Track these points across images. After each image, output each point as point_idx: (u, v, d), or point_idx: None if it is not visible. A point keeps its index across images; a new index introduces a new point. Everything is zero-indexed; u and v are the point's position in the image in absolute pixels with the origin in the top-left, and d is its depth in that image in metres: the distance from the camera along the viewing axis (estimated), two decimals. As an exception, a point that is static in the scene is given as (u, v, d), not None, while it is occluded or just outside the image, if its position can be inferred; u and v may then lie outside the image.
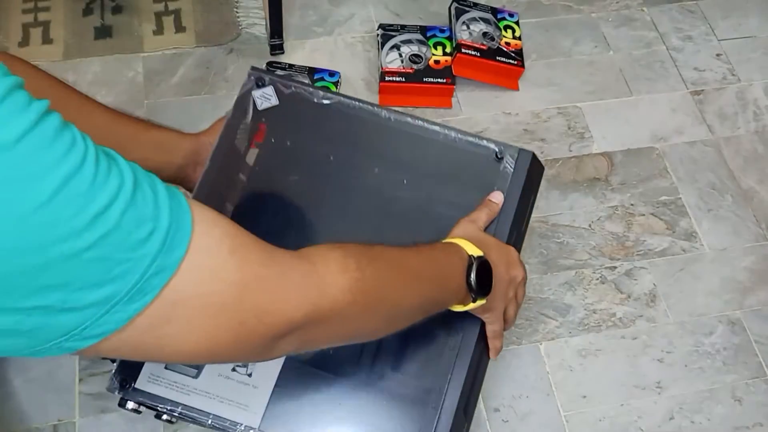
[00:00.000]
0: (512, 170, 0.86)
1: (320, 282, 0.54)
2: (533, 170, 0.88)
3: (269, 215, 0.89)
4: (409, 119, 0.89)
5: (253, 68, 0.90)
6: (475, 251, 0.72)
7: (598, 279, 1.10)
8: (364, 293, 0.58)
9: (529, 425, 0.97)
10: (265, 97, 0.88)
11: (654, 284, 1.10)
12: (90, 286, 0.41)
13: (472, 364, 0.80)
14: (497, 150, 0.87)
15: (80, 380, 0.96)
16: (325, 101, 0.89)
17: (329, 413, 0.78)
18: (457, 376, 0.79)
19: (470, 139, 0.88)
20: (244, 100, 0.89)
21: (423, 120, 0.89)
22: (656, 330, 1.06)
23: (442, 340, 0.81)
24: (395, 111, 0.89)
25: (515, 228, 0.85)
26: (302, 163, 0.90)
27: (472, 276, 0.70)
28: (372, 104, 0.90)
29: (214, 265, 0.47)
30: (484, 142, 0.88)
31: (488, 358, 0.83)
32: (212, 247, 0.47)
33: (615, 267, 1.11)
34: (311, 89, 0.89)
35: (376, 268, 0.60)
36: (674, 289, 1.10)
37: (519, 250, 0.86)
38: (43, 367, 0.96)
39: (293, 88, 0.89)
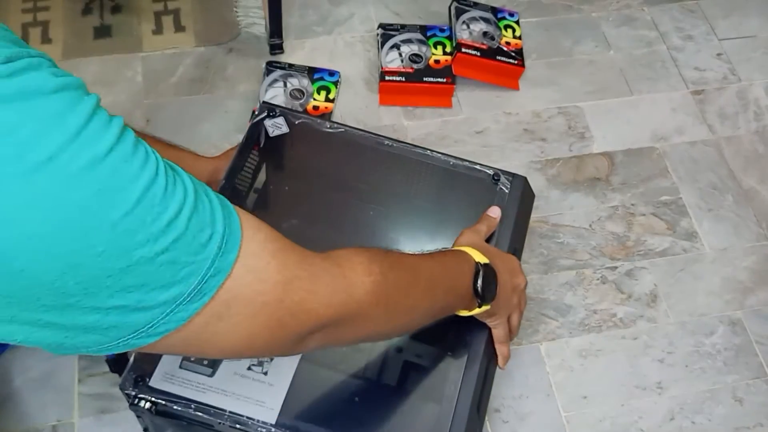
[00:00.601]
0: (508, 191, 0.94)
1: (348, 284, 0.58)
2: (526, 193, 0.96)
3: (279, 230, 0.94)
4: (410, 147, 0.97)
5: (265, 102, 1.00)
6: (481, 258, 0.76)
7: (598, 279, 1.09)
8: (386, 296, 0.62)
9: (529, 426, 0.97)
10: (276, 126, 0.96)
11: (655, 284, 1.10)
12: (162, 287, 0.45)
13: (484, 359, 0.82)
14: (493, 173, 0.95)
15: (79, 381, 0.96)
16: (332, 130, 0.97)
17: (344, 411, 0.79)
18: (469, 372, 0.81)
19: (467, 164, 0.96)
20: (256, 128, 0.96)
21: (423, 147, 0.97)
22: (657, 330, 1.06)
23: (454, 338, 0.84)
24: (397, 140, 0.97)
25: (513, 245, 0.91)
26: (309, 185, 0.98)
27: (479, 282, 0.73)
28: (375, 134, 0.98)
29: (260, 267, 0.51)
30: (480, 167, 0.96)
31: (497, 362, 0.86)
32: (257, 250, 0.51)
33: (616, 267, 1.11)
34: (319, 120, 0.98)
35: (396, 273, 0.65)
36: (675, 289, 1.09)
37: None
38: (42, 368, 0.96)
39: (302, 119, 0.97)
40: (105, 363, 0.95)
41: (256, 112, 0.98)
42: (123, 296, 0.44)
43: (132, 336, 0.47)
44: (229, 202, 0.51)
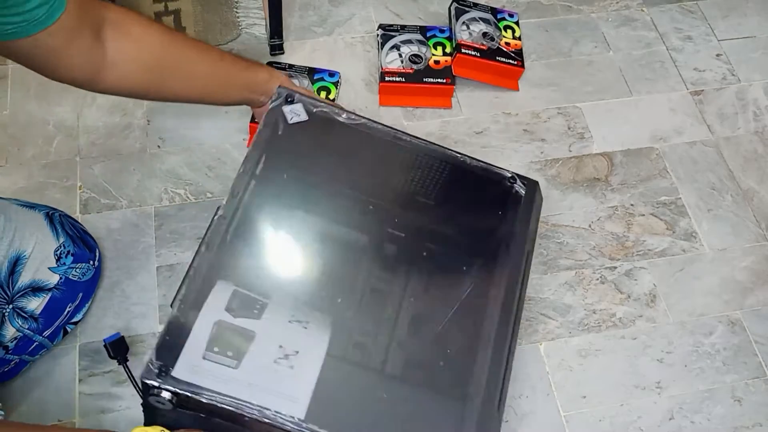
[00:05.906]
0: (523, 193, 0.96)
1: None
2: (538, 198, 0.97)
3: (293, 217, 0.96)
4: (426, 144, 0.97)
5: (281, 87, 0.97)
6: None
7: (597, 279, 1.10)
8: None
9: (528, 425, 0.97)
10: (295, 113, 0.94)
11: (654, 284, 1.10)
12: None
13: (510, 359, 0.83)
14: (510, 176, 0.97)
15: (80, 380, 0.96)
16: (350, 122, 0.96)
17: (372, 406, 0.79)
18: (493, 370, 0.81)
19: (483, 165, 0.97)
20: (273, 113, 0.94)
21: (439, 145, 0.97)
22: (656, 330, 1.06)
23: (478, 335, 0.85)
24: (415, 136, 0.97)
25: (527, 248, 0.92)
26: (325, 175, 0.96)
27: None
28: (393, 128, 0.97)
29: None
30: (496, 169, 0.97)
31: (513, 354, 0.87)
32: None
33: (615, 267, 1.11)
34: (337, 109, 0.96)
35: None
36: (674, 289, 1.10)
37: (529, 266, 0.93)
38: (42, 368, 0.96)
39: (320, 107, 0.96)
40: (106, 362, 0.95)
41: (274, 97, 0.96)
42: None
43: None
44: None
